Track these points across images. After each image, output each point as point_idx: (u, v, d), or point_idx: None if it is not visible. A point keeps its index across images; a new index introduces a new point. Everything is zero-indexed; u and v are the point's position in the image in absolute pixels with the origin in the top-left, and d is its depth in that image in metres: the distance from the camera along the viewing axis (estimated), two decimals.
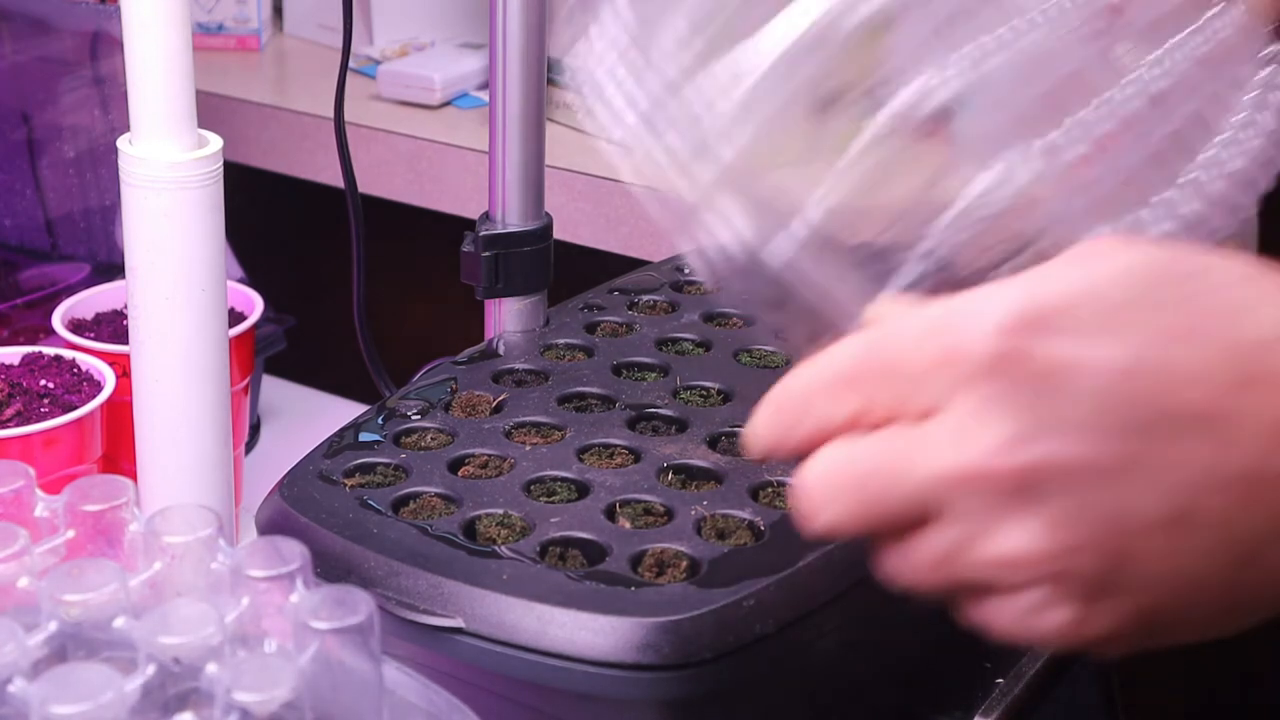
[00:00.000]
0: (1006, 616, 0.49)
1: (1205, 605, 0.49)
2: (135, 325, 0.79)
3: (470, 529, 0.73)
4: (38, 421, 0.89)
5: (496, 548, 0.72)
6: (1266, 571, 0.48)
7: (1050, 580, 0.48)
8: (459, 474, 0.77)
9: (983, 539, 0.48)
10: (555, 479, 0.76)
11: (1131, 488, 0.47)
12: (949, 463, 0.47)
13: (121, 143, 0.78)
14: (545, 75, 1.06)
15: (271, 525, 0.75)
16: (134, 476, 0.80)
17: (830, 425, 0.49)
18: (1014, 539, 0.47)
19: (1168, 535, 0.47)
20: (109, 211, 1.22)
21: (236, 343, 0.94)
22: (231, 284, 0.96)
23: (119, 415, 0.90)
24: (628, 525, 0.71)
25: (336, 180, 1.22)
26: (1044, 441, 0.47)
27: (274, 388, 1.25)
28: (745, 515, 0.74)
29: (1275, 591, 0.49)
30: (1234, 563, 0.48)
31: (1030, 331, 0.47)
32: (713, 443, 0.80)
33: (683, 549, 0.71)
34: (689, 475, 0.77)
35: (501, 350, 0.92)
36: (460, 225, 1.23)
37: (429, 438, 0.81)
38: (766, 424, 0.51)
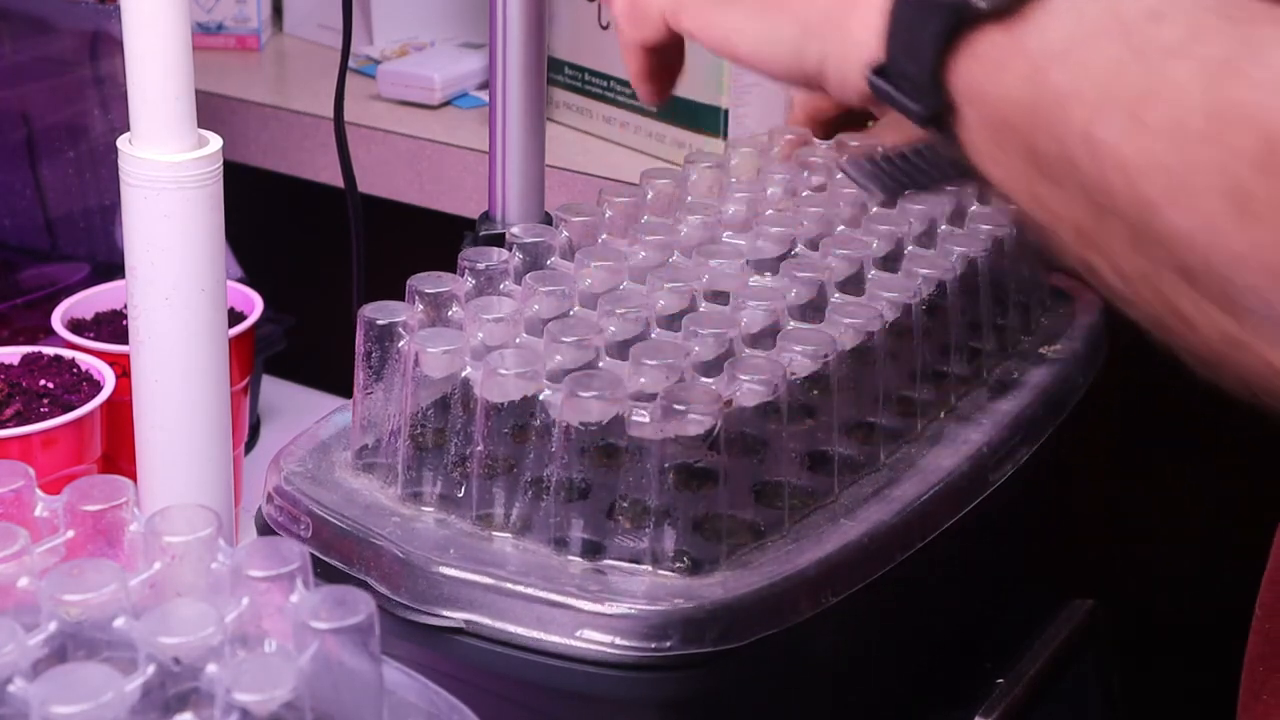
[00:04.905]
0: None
1: None
2: (135, 325, 0.79)
3: (477, 523, 0.73)
4: (37, 421, 0.89)
5: (498, 542, 0.72)
6: None
7: None
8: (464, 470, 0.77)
9: None
10: (557, 479, 0.76)
11: None
12: None
13: (121, 143, 0.78)
14: (545, 75, 1.06)
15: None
16: (134, 476, 0.79)
17: None
18: None
19: None
20: (109, 211, 1.22)
21: (236, 343, 0.94)
22: (231, 284, 0.96)
23: (119, 415, 0.90)
24: (628, 524, 0.72)
25: (336, 180, 1.22)
26: None
27: (274, 388, 1.25)
28: (745, 515, 0.74)
29: None
30: None
31: None
32: (713, 444, 0.80)
33: (684, 548, 0.71)
34: (689, 475, 0.77)
35: None
36: (460, 225, 1.23)
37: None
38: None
